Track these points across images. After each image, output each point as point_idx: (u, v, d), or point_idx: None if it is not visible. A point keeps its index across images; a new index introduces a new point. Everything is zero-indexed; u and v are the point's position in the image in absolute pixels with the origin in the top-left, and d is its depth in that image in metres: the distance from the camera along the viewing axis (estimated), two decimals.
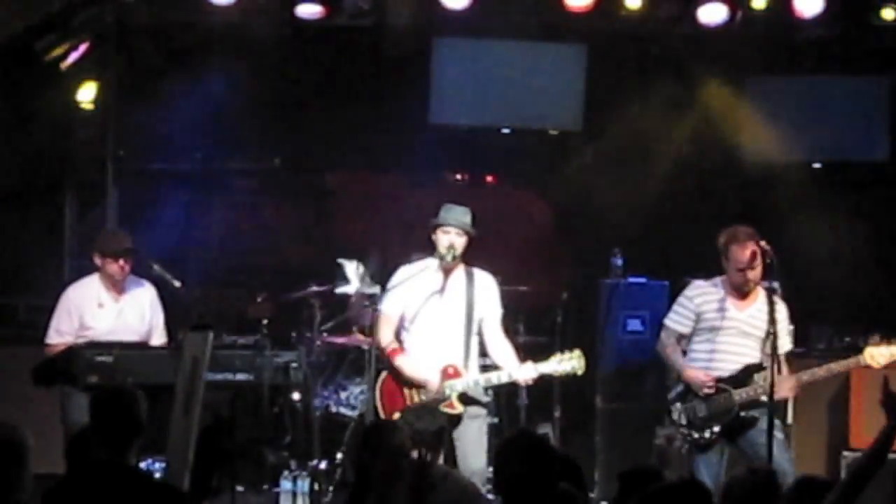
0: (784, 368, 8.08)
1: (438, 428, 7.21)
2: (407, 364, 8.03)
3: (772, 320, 7.82)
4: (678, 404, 8.12)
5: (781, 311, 8.06)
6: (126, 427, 5.41)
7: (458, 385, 7.96)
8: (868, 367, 8.09)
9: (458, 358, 8.02)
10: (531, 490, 5.15)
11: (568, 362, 7.96)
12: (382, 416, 7.99)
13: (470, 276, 8.14)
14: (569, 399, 10.12)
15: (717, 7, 10.11)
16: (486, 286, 8.20)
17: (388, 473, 5.80)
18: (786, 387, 8.01)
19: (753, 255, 7.94)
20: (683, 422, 8.06)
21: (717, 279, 8.23)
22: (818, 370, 8.14)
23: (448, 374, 7.99)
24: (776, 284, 8.04)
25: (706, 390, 8.04)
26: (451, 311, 8.07)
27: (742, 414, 7.97)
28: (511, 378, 8.02)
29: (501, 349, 8.14)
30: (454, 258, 8.05)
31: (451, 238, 8.03)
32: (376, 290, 8.75)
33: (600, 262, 10.48)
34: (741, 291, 8.09)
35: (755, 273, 8.00)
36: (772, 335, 7.77)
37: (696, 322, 8.19)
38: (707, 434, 8.00)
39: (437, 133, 10.80)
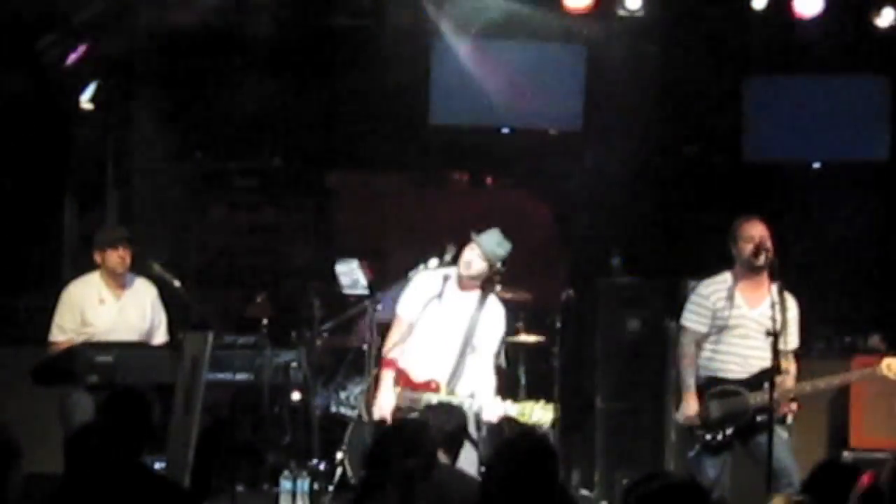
0: (792, 367, 8.03)
1: (456, 427, 7.21)
2: (383, 383, 8.00)
3: (782, 318, 7.76)
4: None
5: (792, 307, 8.00)
6: (139, 429, 5.42)
7: (433, 399, 7.92)
8: (884, 377, 8.02)
9: (445, 374, 7.97)
10: (529, 490, 5.14)
11: (538, 412, 7.78)
12: (364, 416, 8.00)
13: (482, 302, 8.07)
14: (569, 399, 10.11)
15: (717, 7, 10.12)
16: (493, 318, 8.10)
17: (419, 472, 5.74)
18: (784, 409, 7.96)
19: (764, 230, 7.91)
20: (697, 422, 8.01)
21: (726, 274, 8.12)
22: (834, 379, 8.08)
23: (429, 387, 7.95)
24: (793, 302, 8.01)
25: (683, 421, 8.01)
26: (451, 329, 8.00)
27: (758, 418, 7.87)
28: (479, 410, 7.91)
29: (482, 383, 8.05)
30: (465, 276, 7.99)
31: (472, 257, 7.97)
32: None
33: (600, 262, 10.49)
34: (753, 270, 7.94)
35: (767, 249, 7.90)
36: (779, 333, 7.70)
37: (712, 320, 8.10)
38: (720, 436, 7.93)
39: (437, 133, 10.81)
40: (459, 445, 7.17)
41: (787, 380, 7.90)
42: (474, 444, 7.91)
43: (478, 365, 8.03)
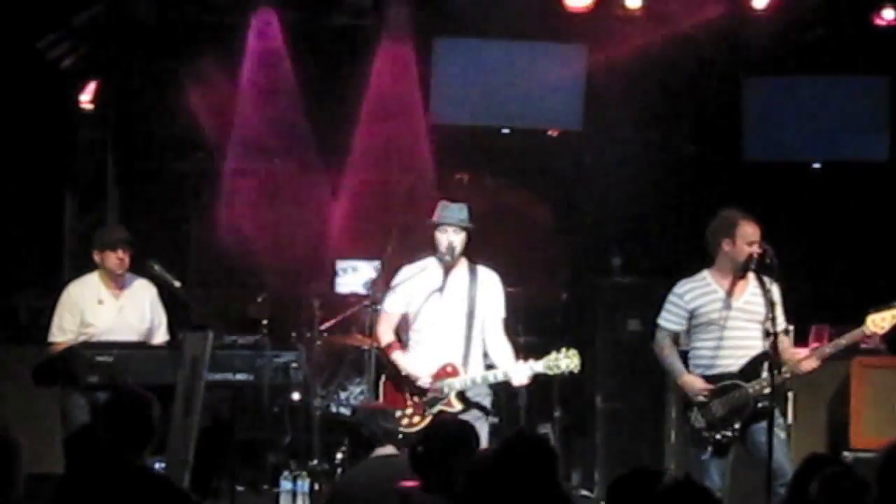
0: (789, 345, 8.03)
1: (393, 426, 7.26)
2: (401, 359, 8.02)
3: (769, 305, 7.75)
4: (694, 408, 8.03)
5: (774, 292, 7.99)
6: (141, 431, 5.41)
7: (455, 384, 7.95)
8: (873, 334, 7.98)
9: (457, 356, 8.00)
10: (530, 491, 5.14)
11: (563, 360, 7.91)
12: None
13: (473, 274, 8.10)
14: (569, 399, 10.12)
15: (717, 7, 10.13)
16: (490, 284, 8.16)
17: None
18: (807, 363, 7.95)
19: (760, 232, 7.90)
20: (703, 424, 7.98)
21: (704, 272, 8.12)
22: (825, 347, 8.05)
23: (446, 372, 7.98)
24: (775, 286, 8.00)
25: (700, 398, 7.97)
26: (452, 310, 8.05)
27: (759, 406, 7.86)
28: (506, 377, 7.98)
29: (500, 349, 8.11)
30: (453, 257, 8.04)
31: (449, 237, 8.01)
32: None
33: (600, 262, 10.48)
34: (742, 272, 7.96)
35: (763, 252, 7.90)
36: (767, 319, 7.70)
37: (690, 319, 8.10)
38: (729, 433, 7.91)
39: (437, 133, 10.81)
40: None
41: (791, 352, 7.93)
42: (486, 414, 8.03)
43: (489, 336, 8.07)
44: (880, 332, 7.89)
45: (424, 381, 7.94)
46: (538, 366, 7.91)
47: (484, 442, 7.91)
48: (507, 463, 5.24)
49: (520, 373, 7.92)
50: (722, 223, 8.00)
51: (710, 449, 7.95)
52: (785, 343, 8.02)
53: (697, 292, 8.05)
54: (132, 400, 5.54)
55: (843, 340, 8.02)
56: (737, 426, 7.89)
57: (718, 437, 7.91)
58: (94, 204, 10.74)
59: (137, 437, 5.40)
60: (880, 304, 7.94)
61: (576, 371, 7.95)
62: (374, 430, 6.58)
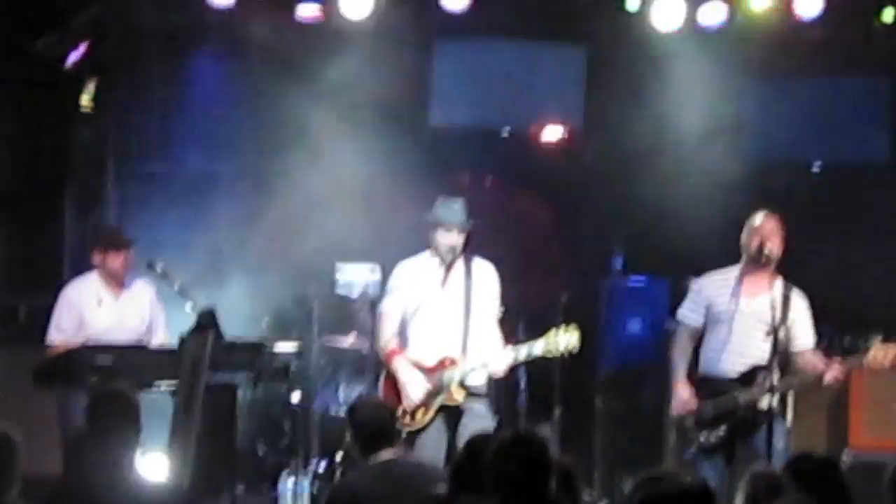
0: (815, 359, 8.00)
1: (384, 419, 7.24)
2: (401, 370, 8.01)
3: (783, 315, 7.74)
4: None
5: (798, 307, 7.98)
6: (126, 429, 5.40)
7: (455, 374, 7.96)
8: (871, 369, 8.00)
9: (455, 347, 8.00)
10: (527, 491, 5.14)
11: (563, 339, 7.85)
12: None
13: (468, 266, 8.12)
14: (569, 399, 10.11)
15: (717, 7, 10.13)
16: (486, 276, 8.17)
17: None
18: (832, 373, 7.94)
19: (773, 227, 7.90)
20: (691, 423, 8.01)
21: (731, 268, 8.13)
22: (815, 373, 8.05)
23: (444, 364, 7.98)
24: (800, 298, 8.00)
25: (677, 410, 8.00)
26: (449, 302, 8.07)
27: (745, 415, 7.87)
28: (487, 366, 7.94)
29: (487, 340, 8.09)
30: (455, 257, 8.06)
31: (453, 239, 8.02)
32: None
33: (600, 262, 10.48)
34: (756, 264, 7.94)
35: (774, 244, 7.89)
36: (776, 330, 7.69)
37: (706, 312, 8.10)
38: (713, 436, 7.93)
39: (437, 133, 10.81)
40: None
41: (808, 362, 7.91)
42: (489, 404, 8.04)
43: (482, 326, 8.07)
44: (878, 368, 7.89)
45: (412, 404, 7.91)
46: (536, 348, 7.88)
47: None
48: (504, 464, 5.23)
49: (497, 360, 7.89)
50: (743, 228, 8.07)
51: (693, 448, 7.98)
52: (809, 357, 8.00)
53: (715, 285, 8.07)
54: (113, 399, 5.53)
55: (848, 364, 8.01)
56: (721, 431, 7.90)
57: (702, 438, 7.94)
58: (94, 204, 10.74)
59: (123, 436, 5.38)
60: (882, 339, 7.94)
61: (575, 349, 7.89)
62: (374, 430, 6.56)
